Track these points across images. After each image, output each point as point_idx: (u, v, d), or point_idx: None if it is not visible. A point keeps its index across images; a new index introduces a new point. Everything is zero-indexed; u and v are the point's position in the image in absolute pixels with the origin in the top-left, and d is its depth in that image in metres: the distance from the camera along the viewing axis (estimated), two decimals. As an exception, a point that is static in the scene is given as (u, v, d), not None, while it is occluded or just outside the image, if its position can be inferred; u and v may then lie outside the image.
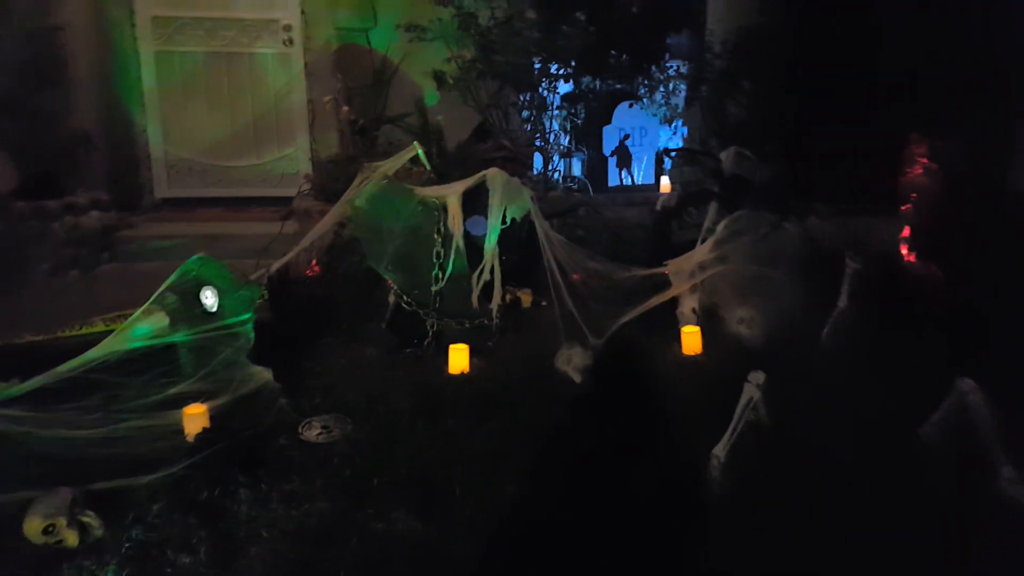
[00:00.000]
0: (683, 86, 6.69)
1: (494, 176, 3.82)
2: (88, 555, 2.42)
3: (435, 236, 3.77)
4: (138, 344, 3.17)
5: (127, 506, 2.62)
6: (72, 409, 2.94)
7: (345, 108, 5.63)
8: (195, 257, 3.23)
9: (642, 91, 6.62)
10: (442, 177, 4.68)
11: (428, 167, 4.62)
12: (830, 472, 2.81)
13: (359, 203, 3.78)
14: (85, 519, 2.52)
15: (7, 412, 2.89)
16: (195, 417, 3.04)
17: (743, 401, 2.92)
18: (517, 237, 3.94)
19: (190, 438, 2.98)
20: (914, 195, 5.93)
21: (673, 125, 6.49)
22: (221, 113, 6.56)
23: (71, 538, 2.47)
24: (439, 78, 5.63)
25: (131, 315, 3.26)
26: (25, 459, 2.74)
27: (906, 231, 5.71)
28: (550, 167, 6.08)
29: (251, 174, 6.59)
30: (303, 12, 6.36)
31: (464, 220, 3.92)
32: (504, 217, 3.89)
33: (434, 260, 3.79)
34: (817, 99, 6.07)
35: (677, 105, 6.39)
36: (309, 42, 6.39)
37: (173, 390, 3.14)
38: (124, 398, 3.03)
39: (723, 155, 4.47)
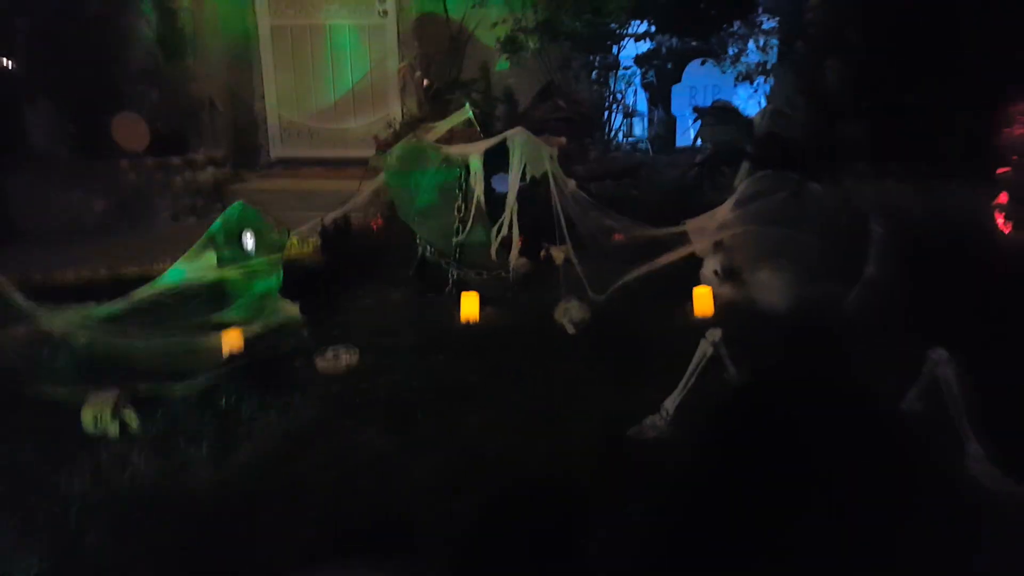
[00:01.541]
0: (774, 41, 6.46)
1: (514, 135, 4.06)
2: (123, 443, 3.03)
3: (457, 191, 4.09)
4: (192, 277, 3.79)
5: (160, 406, 3.22)
6: (133, 327, 3.59)
7: (418, 74, 6.04)
8: (236, 204, 3.77)
9: (731, 50, 6.46)
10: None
11: (479, 128, 4.92)
12: (794, 438, 2.79)
13: (389, 161, 4.18)
14: (126, 415, 3.12)
15: (88, 326, 3.59)
16: (231, 339, 3.61)
17: (696, 357, 3.02)
18: (537, 194, 4.16)
19: (224, 357, 3.55)
20: (1015, 157, 5.45)
21: (755, 83, 6.30)
22: (326, 81, 7.21)
23: (112, 429, 3.07)
24: (507, 44, 5.88)
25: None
26: (93, 363, 3.42)
27: (1003, 197, 5.29)
28: (613, 127, 6.16)
29: (350, 136, 7.20)
30: (396, -15, 6.82)
31: (489, 177, 4.21)
32: (524, 175, 4.12)
33: (455, 214, 4.11)
34: (911, 56, 5.68)
35: (755, 63, 6.20)
36: (401, 13, 6.84)
37: (217, 316, 3.73)
38: (175, 321, 3.66)
39: (757, 114, 4.39)
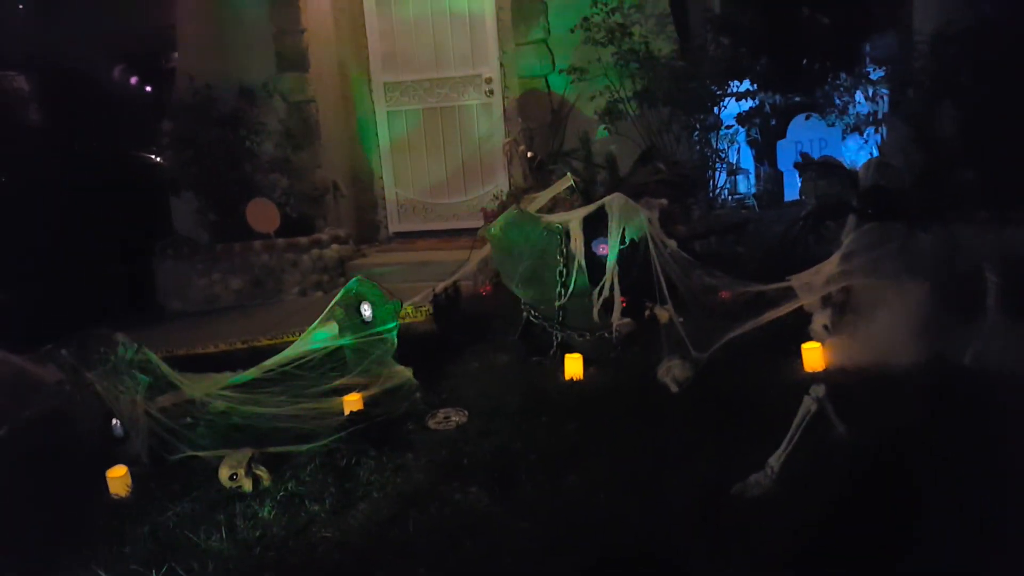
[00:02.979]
0: (884, 91, 6.34)
1: (611, 200, 4.20)
2: (256, 498, 3.29)
3: (557, 257, 4.25)
4: (316, 347, 4.10)
5: (288, 466, 3.48)
6: (264, 393, 3.93)
7: (522, 147, 6.34)
8: (354, 279, 4.09)
9: (837, 102, 6.39)
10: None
11: (579, 195, 5.11)
12: (906, 498, 2.67)
13: (494, 231, 4.41)
14: (258, 472, 3.39)
15: (224, 393, 3.96)
16: (351, 403, 3.86)
17: (800, 413, 2.97)
18: (637, 256, 4.25)
19: (345, 419, 3.79)
20: None
21: (865, 134, 6.16)
22: (438, 159, 7.67)
23: (247, 484, 3.34)
24: (606, 114, 6.11)
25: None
26: (228, 427, 3.76)
27: None
28: (717, 186, 6.18)
29: (461, 209, 7.59)
30: (501, 65, 7.24)
31: (589, 241, 4.34)
32: (623, 237, 4.24)
33: (557, 278, 4.26)
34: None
35: (864, 114, 6.09)
36: (506, 91, 7.25)
37: (338, 381, 4.02)
38: (301, 386, 3.97)
39: (862, 167, 4.32)
